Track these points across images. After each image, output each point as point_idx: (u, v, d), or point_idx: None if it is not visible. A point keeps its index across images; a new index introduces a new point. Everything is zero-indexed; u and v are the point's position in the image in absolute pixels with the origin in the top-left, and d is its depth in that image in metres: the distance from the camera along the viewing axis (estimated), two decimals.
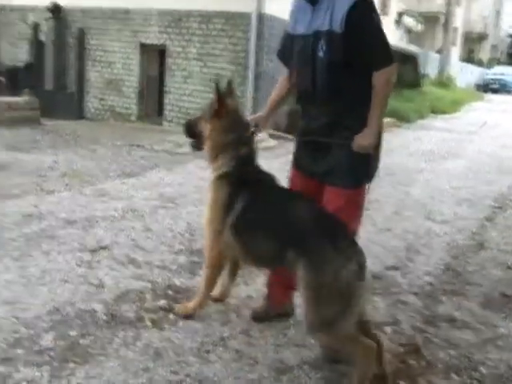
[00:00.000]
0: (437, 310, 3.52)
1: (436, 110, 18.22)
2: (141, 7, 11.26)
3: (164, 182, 6.52)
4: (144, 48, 11.69)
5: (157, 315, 3.11)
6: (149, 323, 3.01)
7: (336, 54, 2.67)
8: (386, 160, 8.54)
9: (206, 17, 10.68)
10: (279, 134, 9.31)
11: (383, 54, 2.70)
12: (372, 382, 2.46)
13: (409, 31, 21.91)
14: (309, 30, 2.76)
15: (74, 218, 4.74)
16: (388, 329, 3.18)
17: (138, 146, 8.85)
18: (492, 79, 35.79)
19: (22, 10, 13.11)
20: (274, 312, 3.12)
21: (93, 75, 12.38)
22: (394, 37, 18.59)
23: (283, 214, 2.65)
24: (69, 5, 12.00)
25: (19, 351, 2.69)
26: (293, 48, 2.88)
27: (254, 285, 3.59)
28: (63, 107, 11.81)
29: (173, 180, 6.60)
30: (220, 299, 3.25)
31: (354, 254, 2.46)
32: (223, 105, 2.81)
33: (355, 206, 2.85)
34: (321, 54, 2.71)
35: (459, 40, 34.88)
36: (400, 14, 20.07)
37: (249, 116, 3.23)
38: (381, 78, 2.66)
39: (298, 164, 3.03)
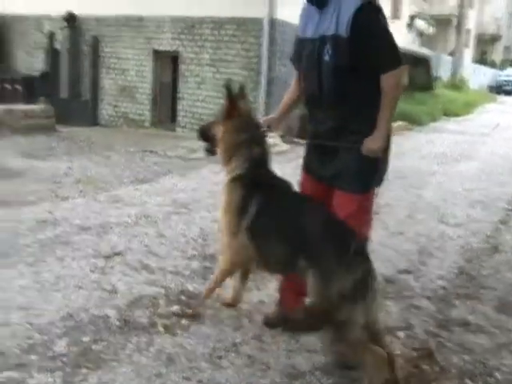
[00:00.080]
0: (450, 314, 3.47)
1: (448, 113, 18.07)
2: (154, 14, 11.32)
3: (177, 187, 6.53)
4: (157, 55, 11.75)
5: (169, 321, 3.10)
6: (161, 329, 3.00)
7: (342, 58, 2.64)
8: (397, 163, 8.61)
9: (219, 23, 10.71)
10: (291, 138, 9.33)
11: (391, 56, 2.66)
12: None
13: (421, 34, 21.78)
14: (316, 34, 2.75)
15: (88, 225, 4.75)
16: (401, 333, 3.14)
17: (152, 152, 8.87)
18: (505, 81, 35.44)
19: (38, 20, 13.26)
20: (286, 316, 3.09)
21: (107, 82, 12.46)
22: (406, 40, 18.49)
23: (295, 221, 2.63)
24: (83, 13, 12.11)
25: (33, 357, 2.69)
26: (302, 52, 2.86)
27: (266, 290, 3.57)
28: (78, 114, 11.91)
29: (186, 185, 6.61)
30: (232, 304, 3.23)
31: (361, 264, 2.44)
32: (235, 106, 2.82)
33: (365, 211, 2.82)
34: (327, 58, 2.69)
35: (472, 42, 34.61)
36: (412, 18, 19.94)
37: (261, 118, 3.22)
38: (389, 80, 2.63)
39: (307, 167, 3.01)
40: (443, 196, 6.83)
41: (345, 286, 2.38)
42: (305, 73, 2.88)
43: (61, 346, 2.80)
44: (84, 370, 2.59)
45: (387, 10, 16.03)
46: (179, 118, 11.52)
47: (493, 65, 39.32)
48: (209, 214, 5.25)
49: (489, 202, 6.63)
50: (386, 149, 2.77)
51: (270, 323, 3.11)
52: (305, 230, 2.58)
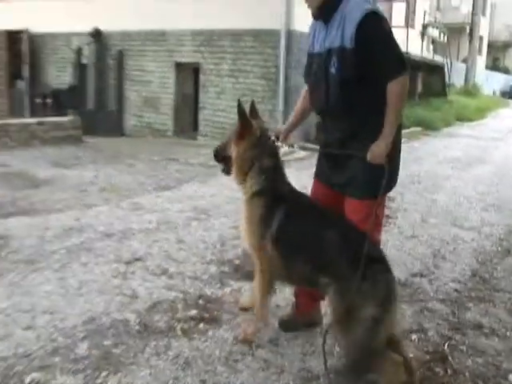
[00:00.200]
0: (464, 316, 3.38)
1: (462, 118, 17.84)
2: (175, 28, 11.40)
3: (198, 194, 6.52)
4: (179, 67, 11.82)
5: (187, 325, 3.07)
6: (180, 333, 2.98)
7: (348, 70, 2.59)
8: (415, 168, 8.54)
9: (237, 35, 10.73)
10: (308, 145, 9.27)
11: (396, 63, 2.59)
12: None
13: (434, 42, 21.55)
14: (322, 48, 2.71)
15: (112, 231, 4.76)
16: (414, 336, 3.07)
17: (174, 160, 8.90)
18: None
19: (67, 36, 13.47)
20: (301, 321, 3.05)
21: (131, 94, 12.57)
22: (420, 48, 18.29)
23: (316, 237, 2.57)
24: (109, 29, 12.26)
25: (56, 359, 2.69)
26: (312, 66, 2.83)
27: (282, 294, 3.51)
28: (104, 125, 12.03)
29: (206, 192, 6.59)
30: (248, 308, 3.19)
31: (383, 277, 2.39)
32: (247, 125, 2.74)
33: (375, 216, 2.75)
34: (333, 70, 2.64)
35: (484, 49, 34.18)
36: (425, 26, 19.74)
37: (271, 130, 3.17)
38: (394, 87, 2.56)
39: (319, 174, 2.97)
40: (457, 200, 6.71)
41: (368, 302, 2.34)
42: (313, 86, 2.84)
43: (83, 348, 2.79)
44: (104, 373, 2.58)
45: (401, 19, 15.89)
46: (200, 127, 11.56)
47: (505, 71, 38.77)
48: (227, 219, 5.22)
49: (502, 205, 6.49)
50: (393, 155, 2.69)
51: (285, 325, 3.06)
52: (326, 246, 2.52)
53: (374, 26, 2.55)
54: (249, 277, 3.44)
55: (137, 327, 3.03)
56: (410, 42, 15.70)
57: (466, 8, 29.02)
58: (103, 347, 2.81)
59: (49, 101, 12.94)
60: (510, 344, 3.05)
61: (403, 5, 16.23)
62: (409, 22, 16.60)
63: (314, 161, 3.12)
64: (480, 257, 4.57)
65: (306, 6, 2.77)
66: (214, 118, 11.27)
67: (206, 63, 11.28)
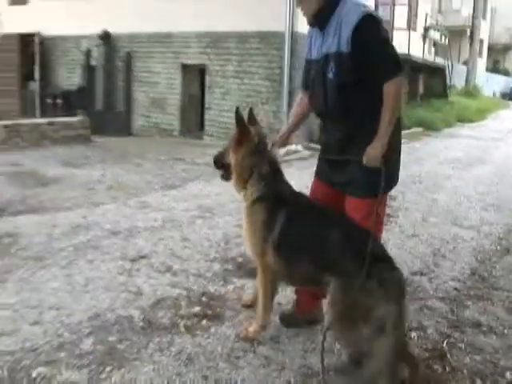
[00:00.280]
0: (462, 315, 3.35)
1: (463, 119, 17.74)
2: (182, 30, 11.37)
3: (203, 193, 6.50)
4: (185, 68, 11.80)
5: (191, 321, 3.06)
6: (183, 329, 2.96)
7: (345, 74, 2.57)
8: (415, 168, 8.50)
9: (243, 37, 10.69)
10: (311, 145, 9.25)
11: (391, 64, 2.56)
12: None
13: (435, 44, 21.44)
14: (320, 54, 2.70)
15: (118, 229, 4.74)
16: (414, 334, 3.04)
17: (180, 159, 8.88)
18: None
19: (77, 39, 13.48)
20: (302, 318, 3.03)
21: (139, 95, 12.57)
22: (422, 50, 18.20)
23: (318, 237, 2.54)
24: (117, 31, 12.26)
25: (62, 354, 2.69)
26: (310, 72, 2.81)
27: (283, 291, 3.47)
28: (112, 125, 12.03)
29: (211, 191, 6.57)
30: (250, 305, 3.17)
31: (390, 279, 2.37)
32: (244, 131, 2.71)
33: (376, 215, 2.72)
34: (330, 75, 2.63)
35: (485, 51, 33.99)
36: (427, 29, 19.64)
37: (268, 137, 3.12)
38: (390, 87, 2.52)
39: (319, 173, 2.95)
40: (457, 199, 6.66)
41: (375, 302, 2.31)
42: (312, 91, 2.82)
43: (88, 344, 2.78)
44: (108, 368, 2.56)
45: (403, 22, 15.81)
46: (206, 128, 11.54)
47: (505, 73, 38.51)
48: (232, 218, 5.20)
49: (501, 204, 6.44)
50: (390, 156, 2.65)
51: (286, 320, 3.04)
52: (329, 245, 2.49)
53: (371, 29, 2.53)
54: (251, 274, 3.43)
55: (141, 323, 3.01)
56: (412, 45, 15.61)
57: (467, 11, 28.86)
58: (108, 343, 2.80)
59: (59, 101, 12.96)
60: (508, 342, 3.02)
61: (405, 8, 16.14)
62: (411, 25, 16.51)
63: (316, 161, 3.10)
64: (479, 255, 4.54)
65: (302, 14, 2.76)
66: (219, 119, 11.24)
67: (212, 65, 11.26)
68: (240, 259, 4.07)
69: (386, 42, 2.58)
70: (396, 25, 15.44)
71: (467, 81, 25.70)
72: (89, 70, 13.19)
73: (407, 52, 15.14)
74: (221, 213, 5.49)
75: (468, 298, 3.62)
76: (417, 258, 4.40)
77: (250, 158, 2.70)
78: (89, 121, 10.64)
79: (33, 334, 2.86)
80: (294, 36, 10.09)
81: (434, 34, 20.52)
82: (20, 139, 9.47)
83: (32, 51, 14.57)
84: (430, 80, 19.69)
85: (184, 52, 11.64)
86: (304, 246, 2.57)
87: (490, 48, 35.98)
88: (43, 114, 13.24)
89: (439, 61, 20.38)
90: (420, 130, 13.99)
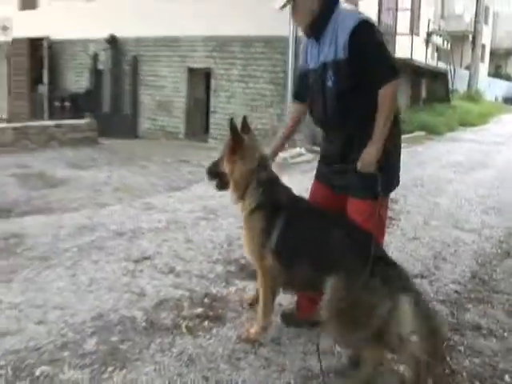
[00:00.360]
0: (463, 317, 3.31)
1: (465, 123, 17.66)
2: (188, 35, 11.40)
3: (207, 194, 6.46)
4: (191, 72, 11.81)
5: (192, 322, 3.04)
6: (185, 330, 2.95)
7: (344, 81, 2.55)
8: (418, 171, 8.46)
9: (247, 41, 10.70)
10: (314, 148, 9.22)
11: (387, 69, 2.53)
12: None
13: (438, 49, 21.38)
14: (317, 64, 2.68)
15: (123, 230, 4.74)
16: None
17: (186, 161, 8.88)
18: None
19: (84, 43, 13.53)
20: (302, 320, 3.00)
21: (145, 98, 12.59)
22: (424, 55, 18.15)
23: (318, 241, 2.52)
24: (124, 35, 12.30)
25: (65, 354, 2.68)
26: (307, 82, 2.79)
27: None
28: (119, 128, 12.06)
29: (216, 192, 6.48)
30: (251, 304, 3.15)
31: (394, 276, 2.34)
32: (238, 139, 2.69)
33: (377, 217, 2.70)
34: (329, 83, 2.60)
35: (487, 56, 33.88)
36: (429, 34, 19.58)
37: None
38: (385, 92, 2.50)
39: (319, 176, 2.94)
40: (459, 203, 6.61)
41: (365, 295, 2.30)
42: (311, 100, 2.81)
43: (91, 344, 2.77)
44: (110, 368, 2.55)
45: (406, 27, 15.77)
46: (211, 131, 11.55)
47: (507, 78, 38.36)
48: (235, 219, 5.16)
49: (502, 208, 6.39)
50: (385, 161, 2.61)
51: (286, 319, 3.03)
52: (329, 247, 2.47)
53: (367, 34, 2.51)
54: (254, 276, 3.38)
55: (143, 324, 3.00)
56: (415, 49, 15.57)
57: (469, 16, 28.77)
58: (110, 343, 2.79)
59: (67, 104, 13.02)
60: (507, 345, 2.99)
61: (408, 13, 16.11)
62: (413, 30, 16.45)
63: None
64: (480, 259, 4.50)
65: (296, 25, 2.75)
66: (224, 122, 11.20)
67: (217, 68, 11.27)
68: (243, 261, 4.04)
69: (381, 47, 2.55)
70: (399, 30, 15.41)
71: (469, 85, 25.60)
72: (96, 74, 13.24)
73: (410, 57, 15.09)
74: (224, 214, 5.47)
75: (468, 300, 3.59)
76: (418, 260, 4.36)
77: (247, 167, 2.68)
78: (96, 123, 10.67)
79: (37, 333, 2.86)
80: (297, 40, 10.06)
81: (437, 39, 20.46)
82: (28, 141, 9.50)
83: (41, 55, 14.64)
84: (432, 84, 19.63)
85: (190, 56, 11.66)
86: (303, 249, 2.55)
87: (492, 53, 35.88)
88: (51, 117, 13.29)
89: (442, 65, 20.31)
90: (422, 133, 13.94)
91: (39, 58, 14.76)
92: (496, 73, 37.35)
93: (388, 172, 2.64)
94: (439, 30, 22.00)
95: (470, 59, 27.11)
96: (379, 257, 2.38)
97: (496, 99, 30.90)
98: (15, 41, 14.86)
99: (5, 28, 14.63)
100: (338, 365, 2.64)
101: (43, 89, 14.58)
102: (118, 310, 3.15)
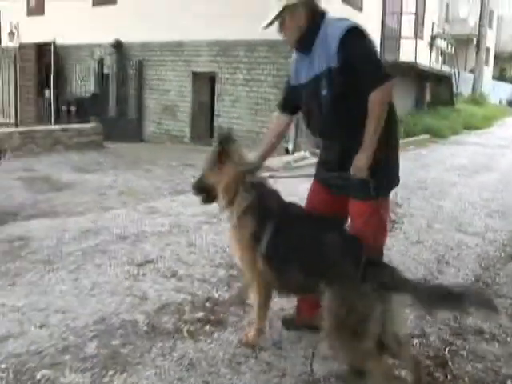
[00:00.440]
0: (465, 322, 3.27)
1: (469, 126, 17.60)
2: (192, 39, 11.41)
3: None
4: (196, 76, 11.83)
5: (194, 326, 3.02)
6: (186, 334, 2.93)
7: (337, 88, 2.53)
8: (422, 174, 8.42)
9: (252, 45, 10.70)
10: (318, 152, 9.20)
11: (374, 75, 2.49)
12: None
13: (442, 53, 21.31)
14: (309, 78, 2.66)
15: (126, 234, 4.73)
16: (416, 341, 2.98)
17: (190, 165, 8.86)
18: None
19: (90, 48, 13.57)
20: (302, 325, 2.98)
21: (150, 102, 12.62)
22: (429, 59, 18.11)
23: (308, 245, 2.51)
24: (129, 40, 12.34)
25: (66, 357, 2.67)
26: (300, 98, 2.77)
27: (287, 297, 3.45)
28: (124, 132, 12.09)
29: None
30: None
31: (376, 278, 2.31)
32: (225, 151, 2.70)
33: (379, 217, 2.67)
34: (324, 92, 2.58)
35: (491, 60, 33.77)
36: (433, 37, 19.53)
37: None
38: (374, 98, 2.46)
39: (318, 178, 2.92)
40: (462, 206, 6.57)
41: (363, 296, 2.28)
42: (307, 112, 2.79)
43: (92, 347, 2.76)
44: (111, 372, 2.54)
45: (410, 31, 15.75)
46: (216, 134, 11.54)
47: None
48: None
49: (506, 211, 6.35)
50: (383, 163, 2.60)
51: (287, 324, 3.02)
52: (319, 253, 2.46)
53: (354, 41, 2.48)
54: None
55: (145, 328, 2.99)
56: (419, 53, 15.53)
57: (474, 20, 28.70)
58: (111, 347, 2.77)
59: (73, 108, 13.06)
60: (510, 350, 2.95)
61: (412, 17, 16.08)
62: (418, 34, 16.42)
63: None
64: (483, 262, 4.46)
65: (284, 40, 2.74)
66: (228, 126, 11.22)
67: (222, 73, 11.28)
68: None
69: (369, 53, 2.52)
70: (403, 33, 15.38)
71: (474, 89, 25.52)
72: (102, 78, 13.29)
73: (414, 60, 15.05)
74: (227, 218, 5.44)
75: None
76: (421, 264, 4.33)
77: (235, 173, 2.69)
78: (101, 127, 10.70)
79: (39, 336, 2.85)
80: None
81: (441, 43, 20.40)
82: (34, 145, 9.54)
83: (47, 60, 14.70)
84: (436, 88, 19.58)
85: (194, 60, 11.68)
86: (293, 255, 2.54)
87: (496, 56, 35.76)
88: (58, 121, 13.34)
89: (446, 69, 20.25)
90: (427, 137, 13.90)
91: (46, 62, 14.83)
92: (500, 76, 37.23)
93: (385, 175, 2.63)
94: (443, 33, 21.93)
95: (474, 63, 27.02)
96: (369, 261, 2.36)
97: (500, 102, 30.78)
98: (22, 46, 14.94)
99: (12, 33, 14.69)
100: (339, 370, 2.61)
101: (49, 93, 14.64)
102: (120, 314, 3.14)
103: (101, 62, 13.23)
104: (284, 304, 3.35)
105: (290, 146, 10.30)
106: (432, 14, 19.66)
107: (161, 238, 4.67)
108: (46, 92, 14.84)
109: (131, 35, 12.10)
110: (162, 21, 11.53)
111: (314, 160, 9.11)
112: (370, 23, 13.30)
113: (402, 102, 15.64)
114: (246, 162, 2.76)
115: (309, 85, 2.66)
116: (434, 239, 5.06)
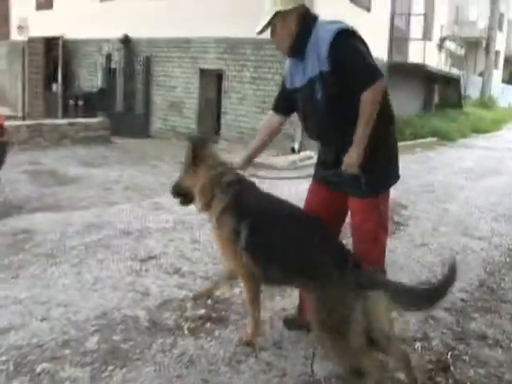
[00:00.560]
0: (468, 326, 3.25)
1: (478, 129, 17.51)
2: (200, 36, 11.38)
3: None
4: (203, 73, 11.81)
5: (195, 324, 3.02)
6: (187, 331, 2.92)
7: (331, 89, 2.53)
8: (429, 177, 8.38)
9: (259, 44, 10.64)
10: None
11: (366, 74, 2.48)
12: None
13: (451, 55, 21.22)
14: (303, 81, 2.65)
15: (130, 229, 4.73)
16: (418, 345, 2.95)
17: None
18: None
19: (98, 43, 13.58)
20: (304, 324, 2.96)
21: (157, 98, 12.61)
22: (437, 61, 18.03)
23: (287, 239, 2.55)
24: (137, 36, 12.34)
25: (67, 351, 2.68)
26: (295, 101, 2.77)
27: (289, 298, 3.42)
28: (131, 127, 12.09)
29: None
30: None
31: (359, 274, 2.35)
32: (199, 152, 2.73)
33: (379, 214, 2.67)
34: (318, 95, 2.58)
35: (501, 63, 33.58)
36: (442, 40, 19.45)
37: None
38: (365, 98, 2.45)
39: (317, 177, 2.91)
40: (469, 210, 6.52)
41: (341, 296, 2.30)
42: (304, 115, 2.79)
43: (92, 342, 2.77)
44: (111, 367, 2.54)
45: (419, 32, 15.67)
46: (222, 131, 11.53)
47: None
48: None
49: None
50: (384, 156, 2.62)
51: (288, 323, 3.02)
52: (298, 250, 2.48)
53: (344, 43, 2.48)
54: None
55: (146, 324, 2.98)
56: (428, 55, 15.46)
57: (483, 23, 28.54)
58: (112, 342, 2.77)
59: (80, 103, 13.07)
60: None
61: (421, 18, 16.00)
62: (426, 35, 16.33)
63: None
64: (488, 267, 4.42)
65: (276, 48, 2.74)
66: (235, 123, 11.23)
67: (229, 70, 11.25)
68: None
69: (358, 55, 2.50)
70: (412, 35, 15.31)
71: (483, 92, 25.41)
72: (109, 73, 13.29)
73: (422, 62, 14.99)
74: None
75: (475, 309, 3.52)
76: (425, 267, 4.30)
77: (210, 173, 2.72)
78: (109, 122, 10.71)
79: (40, 329, 2.86)
80: None
81: (450, 45, 20.31)
82: (42, 139, 9.56)
83: (55, 54, 14.74)
84: (445, 90, 19.50)
85: (202, 57, 11.65)
86: (271, 250, 2.57)
87: (506, 59, 35.55)
88: (65, 115, 13.37)
89: (455, 71, 20.15)
90: (434, 139, 13.84)
91: (54, 57, 14.87)
92: (510, 79, 36.97)
93: (383, 172, 2.64)
94: (453, 35, 21.83)
95: (483, 65, 26.89)
96: (347, 260, 2.40)
97: (509, 106, 30.59)
98: (31, 40, 14.97)
99: (21, 27, 14.72)
100: (339, 371, 2.59)
101: (57, 87, 14.68)
102: (122, 309, 3.14)
103: (108, 57, 13.23)
104: (286, 304, 3.35)
105: (296, 146, 10.28)
106: (441, 16, 19.56)
107: (164, 234, 4.67)
108: (54, 86, 14.88)
109: (139, 31, 12.09)
110: (169, 17, 11.51)
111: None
112: (379, 23, 13.26)
113: (410, 104, 15.58)
114: (221, 164, 2.79)
115: (303, 89, 2.67)
116: (439, 242, 5.03)
